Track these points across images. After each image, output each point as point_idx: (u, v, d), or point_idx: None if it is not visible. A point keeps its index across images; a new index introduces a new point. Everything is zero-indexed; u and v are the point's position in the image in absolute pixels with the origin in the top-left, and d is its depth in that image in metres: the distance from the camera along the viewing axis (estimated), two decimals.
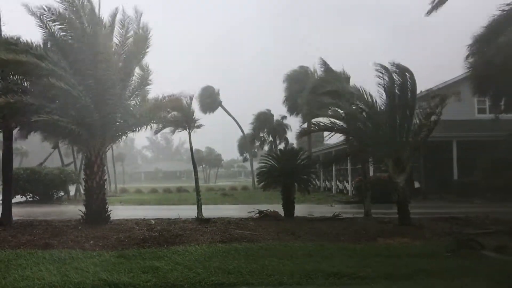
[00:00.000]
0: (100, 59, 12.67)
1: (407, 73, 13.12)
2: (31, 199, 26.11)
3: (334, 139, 19.71)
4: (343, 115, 14.03)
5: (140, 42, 13.78)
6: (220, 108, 51.25)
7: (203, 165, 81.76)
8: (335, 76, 13.96)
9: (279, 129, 40.58)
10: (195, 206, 14.79)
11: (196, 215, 14.15)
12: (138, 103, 14.66)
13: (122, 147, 46.84)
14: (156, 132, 15.70)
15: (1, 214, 13.76)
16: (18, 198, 24.33)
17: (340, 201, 24.34)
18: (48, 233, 11.43)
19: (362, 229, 12.05)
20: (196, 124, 14.83)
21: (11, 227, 12.82)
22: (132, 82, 14.30)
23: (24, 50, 11.94)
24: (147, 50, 13.99)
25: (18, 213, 15.69)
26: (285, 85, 40.54)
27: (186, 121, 14.73)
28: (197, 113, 16.35)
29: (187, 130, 14.85)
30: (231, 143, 58.18)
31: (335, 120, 13.98)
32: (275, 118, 41.16)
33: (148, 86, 14.61)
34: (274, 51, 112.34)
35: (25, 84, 13.24)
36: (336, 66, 14.49)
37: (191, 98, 14.81)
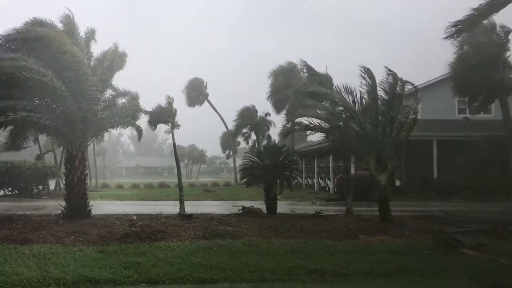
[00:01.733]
0: (73, 55, 12.58)
1: (389, 73, 13.32)
2: (9, 193, 25.67)
3: (317, 136, 19.78)
4: (324, 115, 14.12)
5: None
6: (206, 102, 51.01)
7: (186, 161, 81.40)
8: (318, 77, 14.02)
9: (262, 126, 40.54)
10: (178, 202, 14.75)
11: (178, 211, 14.10)
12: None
13: (103, 141, 46.17)
14: (137, 130, 15.57)
15: None
16: None
17: (322, 199, 24.49)
18: (27, 227, 11.27)
19: (344, 226, 12.17)
20: (176, 123, 14.85)
21: None
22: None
23: None
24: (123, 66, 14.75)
25: None
26: (271, 81, 40.51)
27: (168, 119, 14.71)
28: (183, 106, 16.43)
29: (169, 126, 14.83)
30: (214, 139, 57.97)
31: (317, 120, 14.06)
32: (258, 114, 41.14)
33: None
34: (263, 46, 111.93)
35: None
36: (322, 67, 14.49)
37: (172, 99, 14.86)
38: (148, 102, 15.99)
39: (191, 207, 15.78)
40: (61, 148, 30.43)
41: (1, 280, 6.58)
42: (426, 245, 9.22)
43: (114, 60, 14.46)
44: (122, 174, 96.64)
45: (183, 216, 13.46)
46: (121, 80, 15.12)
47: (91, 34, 14.67)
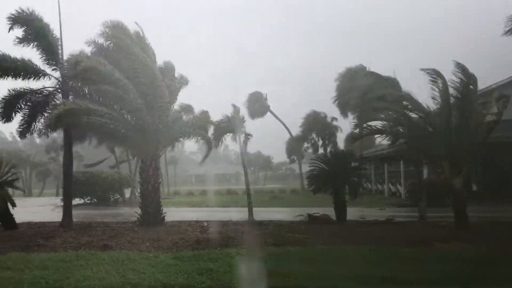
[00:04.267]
0: (148, 68, 13.19)
1: (462, 74, 12.63)
2: (89, 201, 27.15)
3: (386, 140, 19.20)
4: (394, 118, 13.72)
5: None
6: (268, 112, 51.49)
7: (252, 168, 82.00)
8: (385, 80, 13.69)
9: (329, 131, 40.03)
10: (245, 209, 14.92)
11: (247, 218, 14.26)
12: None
13: (173, 151, 47.73)
14: (207, 142, 15.97)
15: (62, 216, 14.45)
16: (76, 201, 25.40)
17: (393, 205, 23.71)
18: (106, 234, 11.88)
19: (417, 233, 11.72)
20: (245, 132, 15.15)
21: (71, 229, 13.44)
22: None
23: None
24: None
25: (77, 215, 16.33)
26: (337, 84, 39.87)
27: (235, 128, 15.03)
28: (246, 119, 16.73)
29: (237, 135, 15.12)
30: (279, 145, 58.02)
31: (386, 123, 13.70)
32: (326, 118, 40.69)
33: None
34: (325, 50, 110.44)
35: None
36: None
37: (238, 108, 15.22)
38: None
39: (260, 213, 15.91)
40: (134, 158, 31.98)
41: (86, 285, 6.96)
42: (504, 254, 8.66)
43: (174, 75, 15.12)
44: (192, 181, 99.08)
45: (252, 223, 13.59)
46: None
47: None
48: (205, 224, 13.59)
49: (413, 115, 13.35)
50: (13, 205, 13.62)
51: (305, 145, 47.11)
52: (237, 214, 16.50)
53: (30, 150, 53.46)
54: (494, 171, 24.49)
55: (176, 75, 15.74)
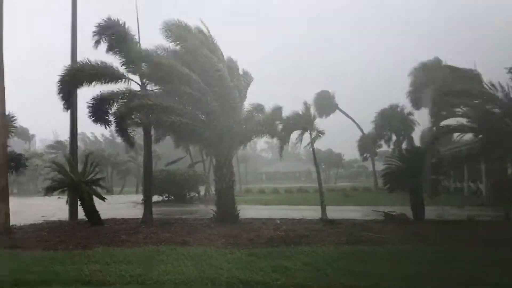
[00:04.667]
0: (219, 70, 13.52)
1: None
2: (166, 198, 28.31)
3: (467, 136, 18.24)
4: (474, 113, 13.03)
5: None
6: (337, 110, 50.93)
7: (323, 166, 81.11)
8: (463, 74, 13.02)
9: (404, 127, 38.59)
10: (317, 207, 14.85)
11: (320, 216, 14.19)
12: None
13: (245, 149, 48.41)
14: (280, 139, 16.02)
15: (143, 213, 15.21)
16: (155, 198, 26.56)
17: (474, 203, 22.48)
18: (184, 231, 12.34)
19: (504, 233, 11.04)
20: (317, 129, 15.05)
21: (152, 225, 14.11)
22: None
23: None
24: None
25: (156, 212, 17.05)
26: (411, 79, 38.42)
27: (306, 125, 14.99)
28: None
29: (309, 133, 15.06)
30: (351, 142, 56.95)
31: (466, 120, 13.04)
32: (402, 112, 39.33)
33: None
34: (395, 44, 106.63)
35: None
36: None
37: (309, 105, 15.16)
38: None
39: (332, 212, 15.74)
40: (208, 157, 32.89)
41: (167, 279, 7.30)
42: None
43: (243, 74, 15.33)
44: (263, 179, 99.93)
45: (325, 221, 13.52)
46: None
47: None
48: (278, 222, 13.70)
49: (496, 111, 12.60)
50: (102, 199, 14.54)
51: (378, 142, 45.87)
52: (309, 212, 16.45)
53: (111, 150, 56.56)
54: None
55: (241, 71, 15.92)
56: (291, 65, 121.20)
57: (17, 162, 15.38)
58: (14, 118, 16.10)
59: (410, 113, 38.94)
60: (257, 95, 16.40)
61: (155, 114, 13.45)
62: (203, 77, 13.73)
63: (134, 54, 15.02)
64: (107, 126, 15.97)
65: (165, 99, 13.85)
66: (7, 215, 12.87)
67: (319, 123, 15.52)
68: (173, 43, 14.37)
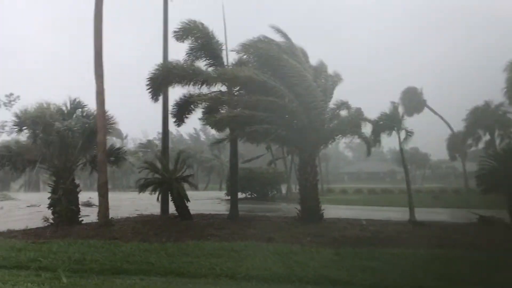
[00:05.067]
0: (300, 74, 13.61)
1: None
2: (249, 196, 28.90)
3: None
4: None
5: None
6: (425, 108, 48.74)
7: (408, 166, 77.92)
8: None
9: (499, 125, 36.03)
10: (404, 208, 14.41)
11: (408, 218, 13.74)
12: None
13: (327, 148, 47.96)
14: (364, 140, 15.74)
15: (230, 209, 15.68)
16: (238, 195, 27.19)
17: None
18: (269, 228, 12.55)
19: None
20: (406, 129, 14.63)
21: (237, 221, 14.51)
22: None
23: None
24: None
25: (240, 208, 17.40)
26: (507, 75, 35.78)
27: (394, 125, 14.60)
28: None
29: (396, 132, 14.64)
30: (439, 141, 54.21)
31: None
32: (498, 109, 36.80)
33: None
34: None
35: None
36: None
37: (397, 104, 14.73)
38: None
39: (420, 214, 15.14)
40: (289, 156, 33.05)
41: (255, 274, 7.48)
42: None
43: (327, 74, 15.24)
44: (344, 179, 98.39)
45: (414, 223, 13.07)
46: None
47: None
48: (364, 222, 13.48)
49: None
50: (187, 199, 15.17)
51: (468, 141, 43.25)
52: (396, 213, 15.99)
53: (196, 147, 58.77)
54: None
55: (331, 72, 15.87)
56: (378, 62, 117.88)
57: (116, 157, 16.38)
58: (112, 118, 17.22)
59: (508, 111, 36.29)
60: (350, 95, 16.29)
61: (239, 123, 13.88)
62: (284, 80, 13.87)
63: (217, 56, 15.64)
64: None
65: (247, 102, 14.18)
66: (106, 209, 13.85)
67: (406, 121, 14.98)
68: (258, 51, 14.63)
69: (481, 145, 41.58)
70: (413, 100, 48.07)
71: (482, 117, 37.49)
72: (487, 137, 39.46)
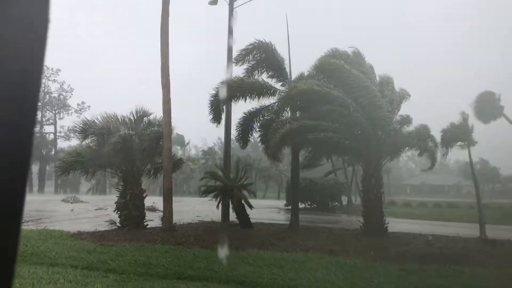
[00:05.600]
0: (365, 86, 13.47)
1: None
2: (308, 206, 28.64)
3: None
4: None
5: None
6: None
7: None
8: None
9: None
10: (473, 225, 13.76)
11: (478, 235, 13.07)
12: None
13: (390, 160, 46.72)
14: (431, 153, 15.21)
15: (291, 219, 15.62)
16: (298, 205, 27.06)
17: None
18: (330, 239, 12.39)
19: None
20: (473, 141, 14.02)
21: (298, 231, 14.41)
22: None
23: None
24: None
25: (300, 219, 17.33)
26: None
27: (463, 136, 14.02)
28: (475, 122, 15.41)
29: (465, 145, 14.04)
30: (510, 155, 51.10)
31: None
32: None
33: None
34: None
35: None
36: None
37: (467, 115, 14.19)
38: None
39: (491, 231, 14.37)
40: (349, 166, 32.43)
41: (317, 286, 7.38)
42: None
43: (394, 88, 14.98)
44: (407, 191, 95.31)
45: (485, 240, 12.40)
46: None
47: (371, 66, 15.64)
48: (430, 238, 12.96)
49: None
50: (250, 207, 15.27)
51: None
52: (464, 230, 15.25)
53: (255, 155, 59.12)
54: None
55: (397, 88, 15.65)
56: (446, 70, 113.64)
57: (175, 165, 16.93)
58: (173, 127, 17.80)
59: None
60: (417, 111, 15.94)
61: (301, 134, 13.91)
62: (349, 91, 13.74)
63: (280, 69, 15.78)
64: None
65: (310, 112, 14.18)
66: (170, 214, 14.23)
67: (480, 131, 14.42)
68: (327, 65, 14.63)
69: None
70: (488, 107, 45.42)
71: None
72: None
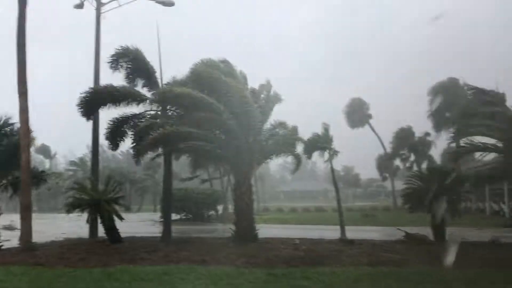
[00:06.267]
0: (240, 93, 13.78)
1: None
2: (184, 217, 28.36)
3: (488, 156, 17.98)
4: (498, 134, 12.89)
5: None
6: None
7: (341, 185, 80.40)
8: (487, 96, 12.95)
9: (421, 147, 38.35)
10: (336, 227, 14.77)
11: (339, 236, 14.09)
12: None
13: (261, 167, 48.32)
14: (296, 158, 16.06)
15: (162, 231, 15.29)
16: (173, 216, 26.65)
17: (497, 225, 22.04)
18: (203, 249, 12.34)
19: None
20: (334, 149, 15.19)
21: (171, 243, 14.14)
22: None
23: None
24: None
25: (175, 230, 17.04)
26: (430, 98, 38.23)
27: (325, 145, 15.10)
28: (344, 127, 16.82)
29: (328, 152, 15.13)
30: (369, 161, 56.12)
31: (489, 140, 12.92)
32: (416, 134, 39.05)
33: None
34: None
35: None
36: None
37: (328, 125, 15.31)
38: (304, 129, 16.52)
39: (351, 232, 15.59)
40: (226, 175, 32.91)
41: None
42: None
43: (269, 94, 15.49)
44: (280, 198, 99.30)
45: (344, 241, 13.41)
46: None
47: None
48: (297, 241, 13.63)
49: None
50: (120, 218, 14.64)
51: (396, 162, 45.54)
52: (328, 232, 16.32)
53: (129, 166, 56.96)
54: None
55: (272, 93, 16.10)
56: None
57: (38, 179, 15.63)
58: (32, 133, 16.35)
59: (427, 134, 38.60)
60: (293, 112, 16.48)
61: (174, 141, 13.73)
62: (223, 100, 13.93)
63: (151, 78, 15.52)
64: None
65: (184, 119, 14.10)
66: (29, 233, 13.08)
67: (346, 135, 15.71)
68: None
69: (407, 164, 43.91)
70: (357, 112, 48.36)
71: (405, 139, 39.61)
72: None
